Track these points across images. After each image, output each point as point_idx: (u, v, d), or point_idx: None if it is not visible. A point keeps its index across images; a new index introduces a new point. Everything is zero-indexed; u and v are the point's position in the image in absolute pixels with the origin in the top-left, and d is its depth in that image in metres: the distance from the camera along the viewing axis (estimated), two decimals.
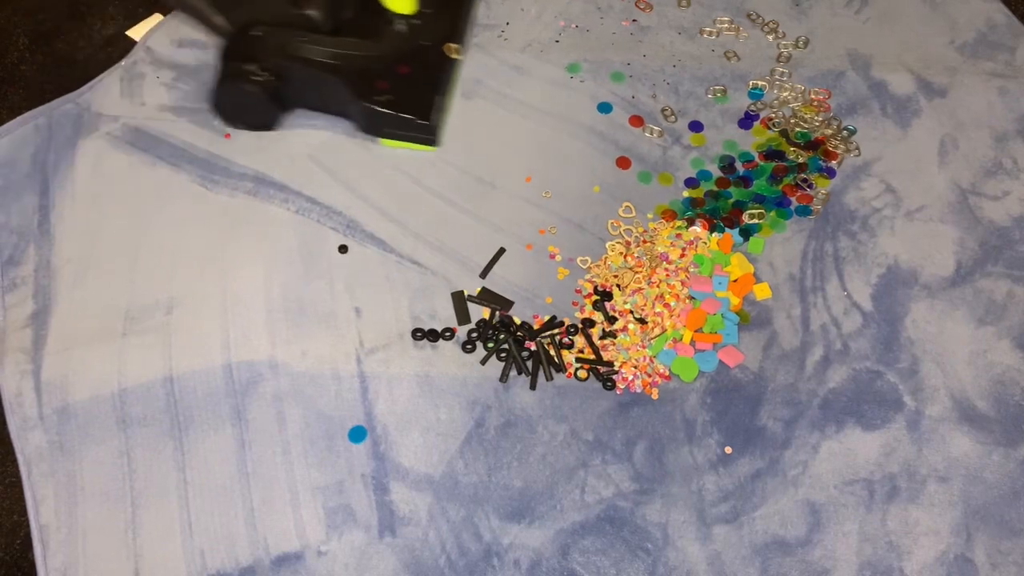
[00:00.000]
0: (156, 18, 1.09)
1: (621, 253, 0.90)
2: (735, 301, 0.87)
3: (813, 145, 0.98)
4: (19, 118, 0.98)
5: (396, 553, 0.76)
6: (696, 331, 0.85)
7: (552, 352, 0.84)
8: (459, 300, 0.88)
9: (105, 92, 1.01)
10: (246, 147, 0.97)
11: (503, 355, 0.84)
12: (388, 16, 0.99)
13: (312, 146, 0.97)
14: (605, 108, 1.01)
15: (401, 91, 0.95)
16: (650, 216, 0.93)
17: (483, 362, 0.84)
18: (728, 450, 0.80)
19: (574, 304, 0.88)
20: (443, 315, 0.87)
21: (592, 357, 0.84)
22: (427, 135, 0.96)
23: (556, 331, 0.85)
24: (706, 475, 0.79)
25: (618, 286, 0.88)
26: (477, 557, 0.76)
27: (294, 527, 0.77)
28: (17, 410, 0.82)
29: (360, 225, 0.92)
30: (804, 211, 0.94)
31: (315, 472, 0.79)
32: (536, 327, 0.86)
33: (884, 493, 0.79)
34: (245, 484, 0.78)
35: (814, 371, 0.84)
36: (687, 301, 0.87)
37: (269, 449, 0.80)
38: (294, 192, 0.94)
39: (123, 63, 1.04)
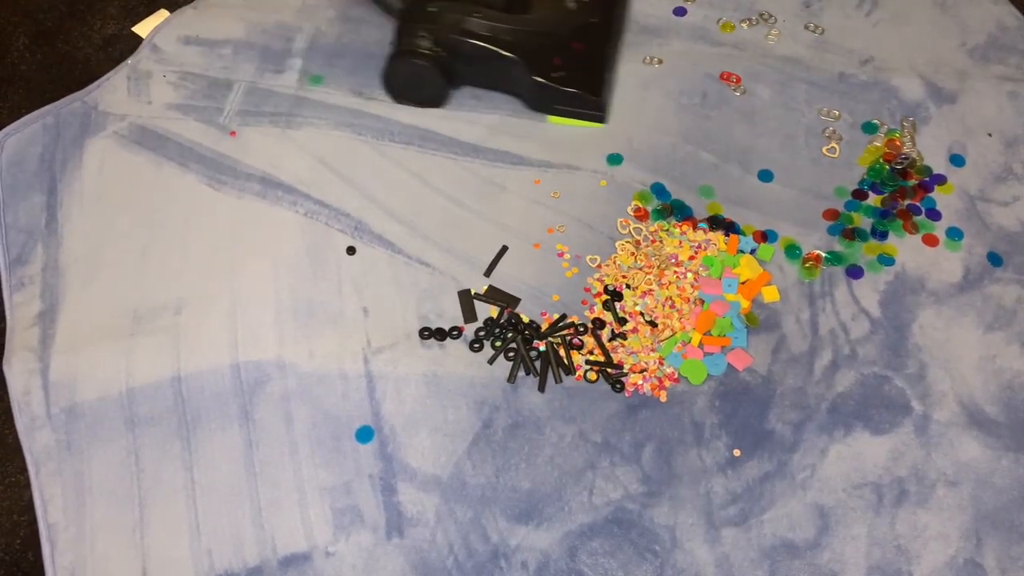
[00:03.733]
0: (162, 14, 1.08)
1: (631, 252, 0.90)
2: (745, 304, 0.87)
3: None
4: (26, 117, 0.98)
5: (404, 554, 0.75)
6: (705, 334, 0.85)
7: (562, 353, 0.84)
8: (466, 298, 0.88)
9: (112, 91, 1.01)
10: (253, 147, 0.97)
11: (511, 355, 0.84)
12: None
13: (320, 148, 0.97)
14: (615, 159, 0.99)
15: (574, 68, 0.98)
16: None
17: (491, 362, 0.84)
18: (737, 453, 0.80)
19: (583, 303, 0.88)
20: (450, 314, 0.87)
21: (602, 359, 0.84)
22: (597, 111, 0.99)
23: (565, 331, 0.85)
24: (714, 478, 0.79)
25: (628, 286, 0.88)
26: (485, 558, 0.75)
27: (302, 527, 0.77)
28: (25, 409, 0.82)
29: (368, 227, 0.92)
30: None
31: (323, 472, 0.79)
32: (545, 325, 0.86)
33: (893, 497, 0.78)
34: (253, 484, 0.78)
35: (822, 375, 0.84)
36: (696, 303, 0.87)
37: (277, 449, 0.80)
38: (302, 194, 0.94)
39: (129, 61, 1.03)
